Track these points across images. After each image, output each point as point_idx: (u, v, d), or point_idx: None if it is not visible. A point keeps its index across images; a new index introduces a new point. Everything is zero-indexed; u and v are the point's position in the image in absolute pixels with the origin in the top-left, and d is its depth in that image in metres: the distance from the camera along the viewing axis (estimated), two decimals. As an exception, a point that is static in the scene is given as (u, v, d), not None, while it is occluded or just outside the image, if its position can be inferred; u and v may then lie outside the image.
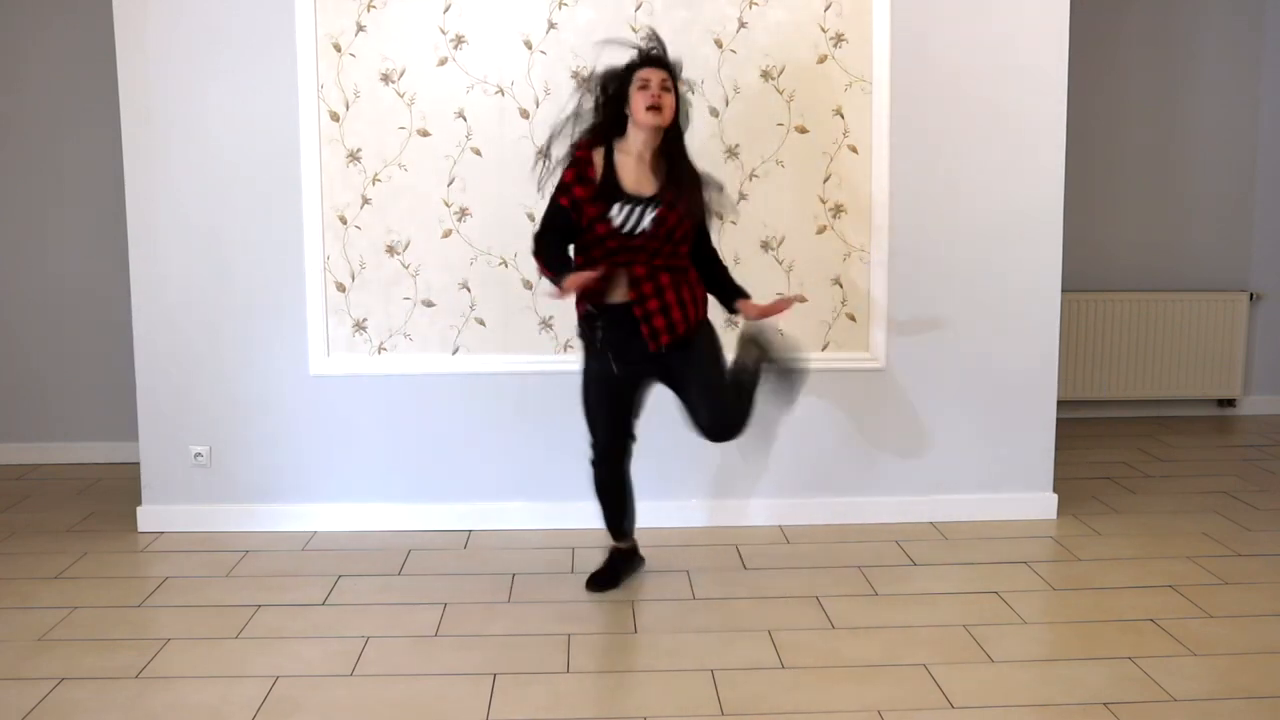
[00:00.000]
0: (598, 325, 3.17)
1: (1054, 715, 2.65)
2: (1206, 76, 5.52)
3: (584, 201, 3.09)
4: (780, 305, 3.27)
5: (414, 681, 2.85)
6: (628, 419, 3.33)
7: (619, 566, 3.48)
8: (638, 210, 3.09)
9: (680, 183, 3.12)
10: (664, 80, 3.07)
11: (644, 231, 3.08)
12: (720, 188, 3.34)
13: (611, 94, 3.13)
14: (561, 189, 3.14)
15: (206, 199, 3.87)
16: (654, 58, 3.12)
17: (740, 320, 3.49)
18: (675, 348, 3.15)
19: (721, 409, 3.20)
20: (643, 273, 3.09)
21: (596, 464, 3.35)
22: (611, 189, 3.10)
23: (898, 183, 3.92)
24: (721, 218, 3.35)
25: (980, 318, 4.01)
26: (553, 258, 3.14)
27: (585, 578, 3.48)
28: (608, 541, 3.52)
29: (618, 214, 3.08)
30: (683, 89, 3.20)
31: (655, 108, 3.05)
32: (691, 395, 3.21)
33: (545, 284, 3.36)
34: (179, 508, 3.99)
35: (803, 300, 3.44)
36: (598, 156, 3.13)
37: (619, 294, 3.12)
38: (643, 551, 3.58)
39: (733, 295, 3.35)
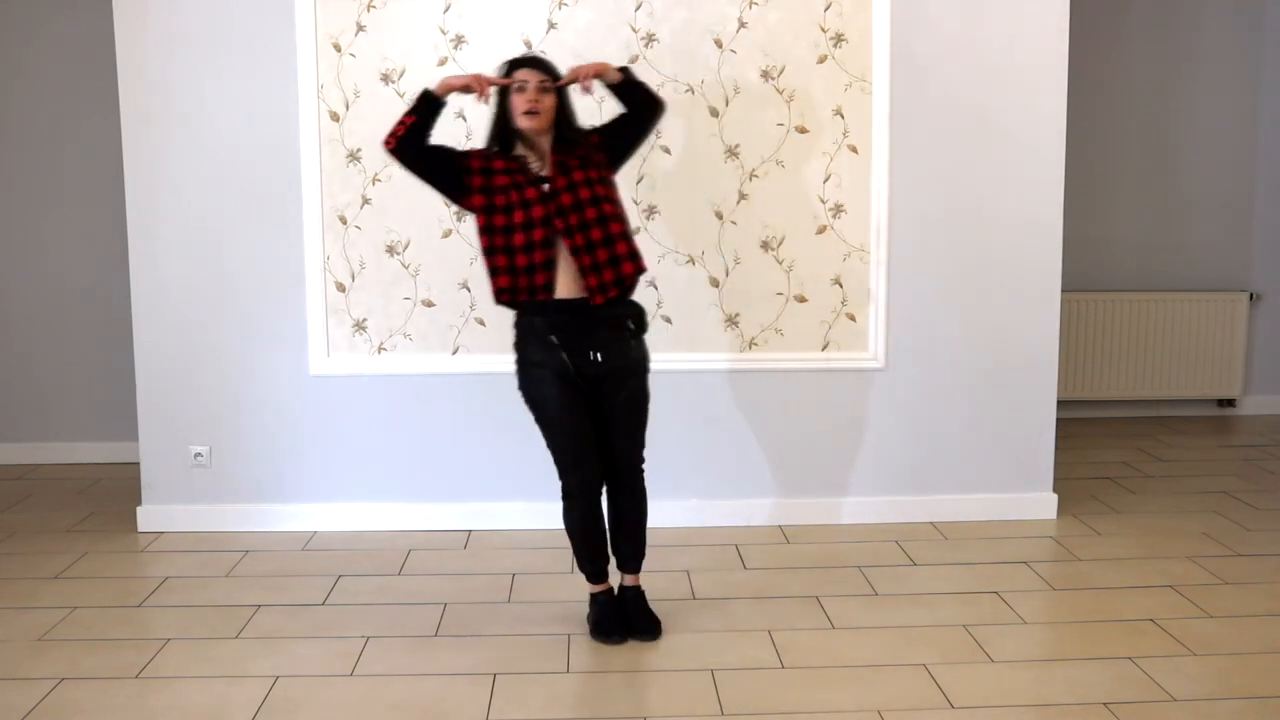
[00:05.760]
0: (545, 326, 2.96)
1: (1054, 715, 2.65)
2: (1206, 76, 5.52)
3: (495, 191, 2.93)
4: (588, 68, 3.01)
5: (414, 681, 2.85)
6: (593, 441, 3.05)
7: (616, 609, 3.17)
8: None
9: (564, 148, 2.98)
10: (542, 81, 2.92)
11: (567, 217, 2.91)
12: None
13: (497, 102, 2.99)
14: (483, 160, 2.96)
15: (206, 199, 3.87)
16: (530, 58, 3.02)
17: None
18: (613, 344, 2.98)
19: (636, 443, 3.08)
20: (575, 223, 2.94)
21: (570, 502, 3.08)
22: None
23: (898, 183, 3.92)
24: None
25: (980, 318, 4.01)
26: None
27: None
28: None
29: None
30: (570, 90, 3.02)
31: (532, 112, 2.90)
32: (613, 426, 3.04)
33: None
34: (179, 508, 3.99)
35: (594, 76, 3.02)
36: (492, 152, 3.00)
37: (566, 286, 2.93)
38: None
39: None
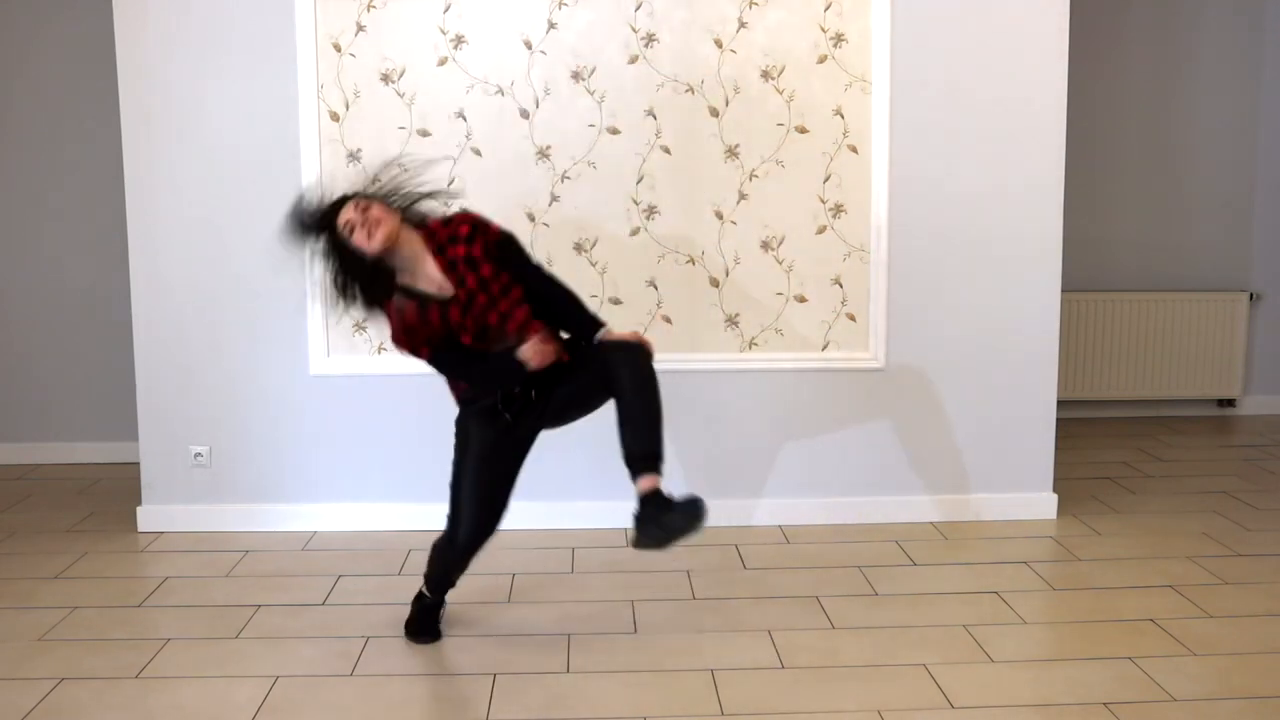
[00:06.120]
0: (501, 403, 2.86)
1: (1054, 715, 2.66)
2: (1206, 76, 5.52)
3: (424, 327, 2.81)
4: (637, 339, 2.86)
5: (414, 681, 2.85)
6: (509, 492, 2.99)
7: (437, 614, 3.17)
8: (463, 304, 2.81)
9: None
10: (360, 207, 2.72)
11: (481, 313, 2.81)
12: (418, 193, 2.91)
13: (343, 257, 2.76)
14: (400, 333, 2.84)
15: (207, 199, 3.87)
16: (337, 201, 2.78)
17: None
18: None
19: (631, 357, 2.78)
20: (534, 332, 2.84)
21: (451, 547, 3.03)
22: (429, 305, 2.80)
23: (898, 183, 3.92)
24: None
25: (980, 318, 4.01)
26: (475, 367, 2.86)
27: (587, 579, 3.49)
28: (429, 581, 3.15)
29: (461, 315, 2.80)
30: (392, 190, 2.86)
31: (373, 228, 2.69)
32: (596, 372, 2.83)
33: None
34: (179, 508, 3.99)
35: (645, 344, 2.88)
36: (396, 301, 2.81)
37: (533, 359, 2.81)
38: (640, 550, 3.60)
39: (590, 327, 2.89)
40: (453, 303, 2.80)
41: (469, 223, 2.86)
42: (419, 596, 3.17)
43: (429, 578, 3.14)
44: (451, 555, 3.06)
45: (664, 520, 2.62)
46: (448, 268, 2.80)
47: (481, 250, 2.83)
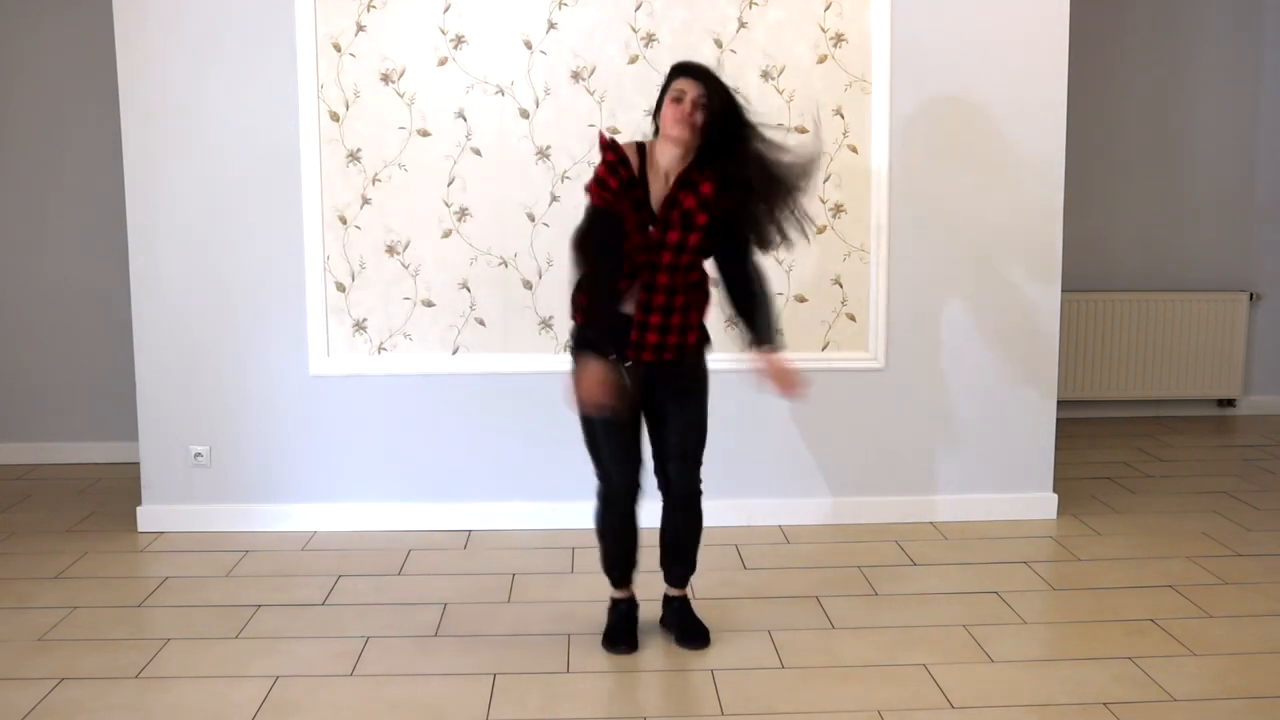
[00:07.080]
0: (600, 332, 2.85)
1: (1054, 715, 2.66)
2: (1206, 76, 5.51)
3: (621, 197, 2.80)
4: (790, 380, 2.94)
5: (414, 681, 2.85)
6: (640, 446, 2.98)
7: (633, 619, 3.11)
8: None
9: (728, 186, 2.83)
10: (700, 97, 2.76)
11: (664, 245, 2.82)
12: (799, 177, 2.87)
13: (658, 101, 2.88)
14: (599, 185, 2.81)
15: (207, 199, 3.87)
16: (693, 68, 2.84)
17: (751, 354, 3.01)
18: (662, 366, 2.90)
19: (695, 437, 2.98)
20: (664, 282, 2.85)
21: (608, 502, 2.99)
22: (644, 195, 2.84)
23: (898, 182, 3.92)
24: (785, 236, 2.90)
25: (980, 318, 4.01)
26: (602, 284, 2.81)
27: (587, 579, 3.49)
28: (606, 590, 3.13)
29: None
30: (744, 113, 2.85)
31: (683, 123, 2.76)
32: (669, 421, 2.95)
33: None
34: (179, 508, 3.99)
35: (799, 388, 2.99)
36: (631, 154, 2.85)
37: (629, 305, 2.85)
38: (643, 552, 3.59)
39: (759, 337, 2.95)
40: (654, 216, 2.82)
41: (712, 189, 2.84)
42: (613, 604, 3.10)
43: (607, 566, 3.06)
44: (613, 516, 2.98)
45: (689, 632, 3.07)
46: (672, 197, 2.82)
47: (700, 207, 2.82)
